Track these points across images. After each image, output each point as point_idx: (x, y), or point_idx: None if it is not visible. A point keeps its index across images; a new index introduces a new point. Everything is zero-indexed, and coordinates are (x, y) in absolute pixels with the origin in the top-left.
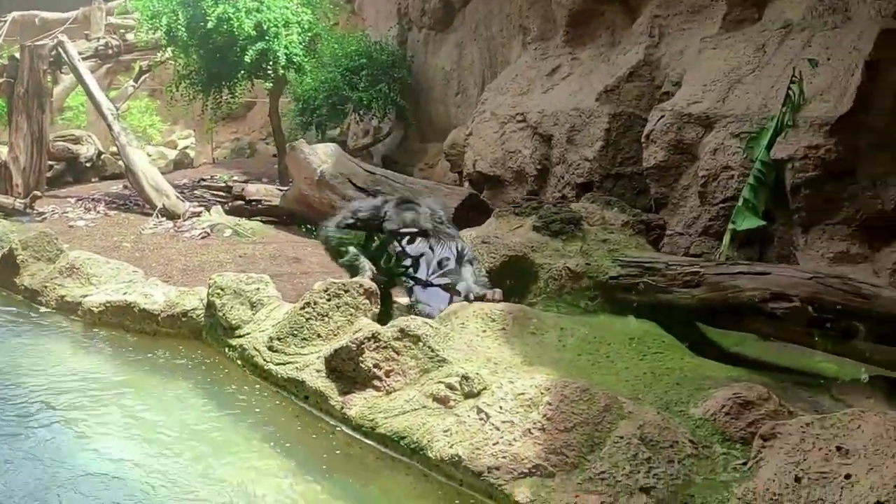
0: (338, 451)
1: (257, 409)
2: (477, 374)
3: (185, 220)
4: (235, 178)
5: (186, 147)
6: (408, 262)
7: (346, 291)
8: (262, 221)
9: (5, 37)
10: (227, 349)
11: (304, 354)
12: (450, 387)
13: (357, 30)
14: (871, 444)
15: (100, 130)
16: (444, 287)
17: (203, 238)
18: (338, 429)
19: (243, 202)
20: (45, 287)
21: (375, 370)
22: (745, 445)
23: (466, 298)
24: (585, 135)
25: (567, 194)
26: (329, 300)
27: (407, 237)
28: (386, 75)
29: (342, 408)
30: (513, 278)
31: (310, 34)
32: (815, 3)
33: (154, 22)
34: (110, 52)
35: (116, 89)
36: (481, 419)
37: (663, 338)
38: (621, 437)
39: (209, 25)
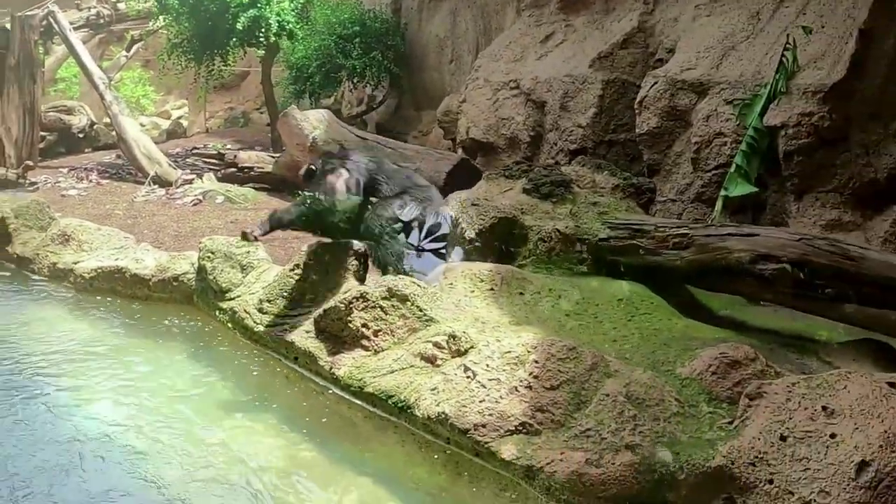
0: (327, 411)
1: (246, 371)
2: (464, 332)
3: (177, 188)
4: (229, 146)
5: (180, 117)
6: (398, 226)
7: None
8: (254, 188)
9: None
10: (217, 312)
11: (294, 316)
12: (437, 345)
13: None
14: (857, 404)
15: (92, 101)
16: (437, 252)
17: (195, 205)
18: (327, 389)
19: (236, 169)
20: (38, 255)
21: (364, 330)
22: (731, 405)
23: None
24: (579, 101)
25: (560, 161)
26: None
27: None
28: (379, 43)
29: (331, 368)
30: (502, 240)
31: (302, 1)
32: None
33: None
34: (102, 21)
35: (109, 59)
36: (468, 377)
37: (652, 299)
38: (607, 395)
39: None
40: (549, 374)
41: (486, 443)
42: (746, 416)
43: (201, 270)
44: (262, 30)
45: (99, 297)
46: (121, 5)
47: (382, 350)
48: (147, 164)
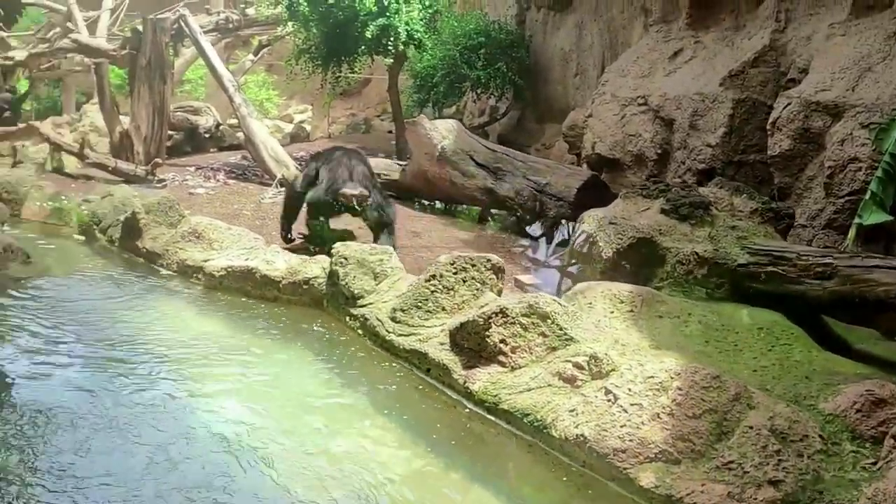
0: (458, 426)
1: (376, 380)
2: (606, 354)
3: None
4: None
5: (302, 121)
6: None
7: (472, 265)
8: None
9: (126, 11)
10: (348, 318)
11: (428, 327)
12: (577, 366)
13: (475, 9)
14: None
15: (218, 102)
16: (559, 269)
17: None
18: (460, 403)
19: None
20: (167, 251)
21: (501, 346)
22: (875, 444)
23: None
24: (708, 120)
25: (687, 180)
26: (455, 273)
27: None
28: (504, 55)
29: (465, 382)
30: (639, 260)
31: (430, 11)
32: None
33: None
34: (230, 26)
35: (234, 63)
36: (609, 400)
37: (791, 329)
38: (751, 428)
39: (330, 1)
40: (692, 403)
41: (625, 469)
42: (892, 458)
43: (333, 275)
44: (391, 38)
45: (227, 296)
46: (249, 10)
47: (519, 367)
48: (274, 166)
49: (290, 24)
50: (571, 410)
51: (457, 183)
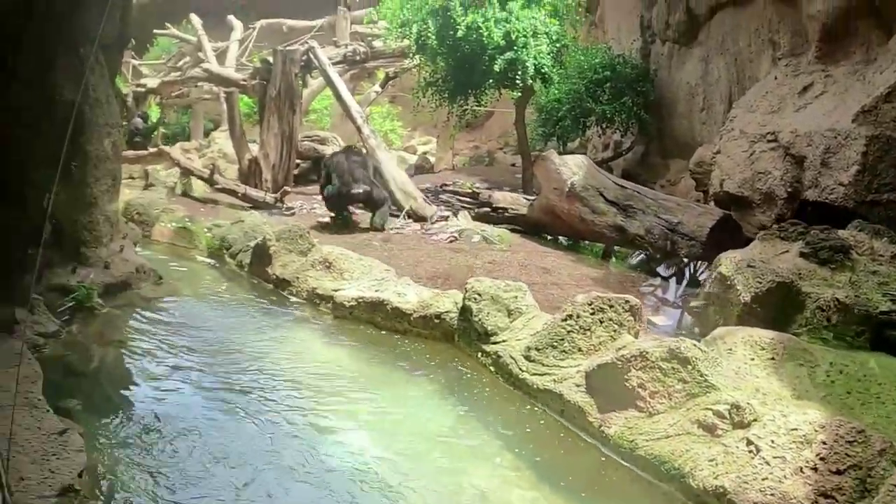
0: (591, 470)
1: (507, 418)
2: (748, 403)
3: (432, 224)
4: (478, 185)
5: (426, 152)
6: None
7: (610, 306)
8: (508, 229)
9: (254, 42)
10: (479, 354)
11: (563, 367)
12: (718, 414)
13: (598, 42)
14: None
15: (343, 132)
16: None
17: (451, 242)
18: (594, 447)
19: (490, 209)
20: (297, 278)
21: (640, 390)
22: None
23: None
24: (840, 157)
25: (818, 219)
26: (593, 314)
27: None
28: (630, 89)
29: (600, 425)
30: (777, 305)
31: (557, 45)
32: None
33: (404, 30)
34: (357, 58)
35: (359, 94)
36: (751, 452)
37: None
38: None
39: (458, 34)
40: (837, 457)
41: None
42: None
43: (466, 311)
44: (519, 72)
45: (356, 326)
46: (376, 43)
47: (658, 413)
48: (402, 197)
49: (417, 57)
50: (711, 460)
51: (586, 219)
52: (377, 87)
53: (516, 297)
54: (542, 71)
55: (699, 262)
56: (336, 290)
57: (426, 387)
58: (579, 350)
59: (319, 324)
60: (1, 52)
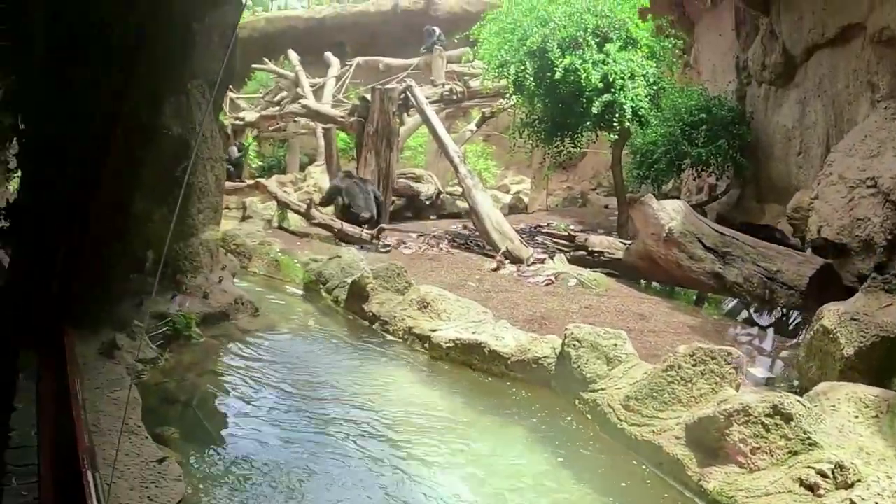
0: None
1: (604, 469)
2: (852, 463)
3: (528, 266)
4: (572, 227)
5: (519, 192)
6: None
7: (712, 358)
8: (604, 273)
9: (350, 79)
10: (577, 402)
11: (663, 419)
12: (821, 473)
13: (692, 83)
14: None
15: (437, 170)
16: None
17: (547, 285)
18: (691, 501)
19: (585, 252)
20: (394, 317)
21: (741, 445)
22: None
23: None
24: None
25: None
26: (694, 365)
27: None
28: (725, 131)
29: (699, 480)
30: (881, 361)
31: (655, 87)
32: None
33: (502, 71)
34: (454, 97)
35: (455, 133)
36: None
37: None
38: None
39: (556, 76)
40: None
41: None
42: None
43: (564, 357)
44: (616, 115)
45: (452, 368)
46: (472, 83)
47: (758, 469)
48: (498, 238)
49: (514, 97)
50: None
51: (683, 265)
52: (472, 126)
53: (616, 344)
54: (640, 113)
55: (798, 311)
56: (433, 331)
57: (521, 432)
58: (679, 401)
59: (414, 363)
60: (113, 88)
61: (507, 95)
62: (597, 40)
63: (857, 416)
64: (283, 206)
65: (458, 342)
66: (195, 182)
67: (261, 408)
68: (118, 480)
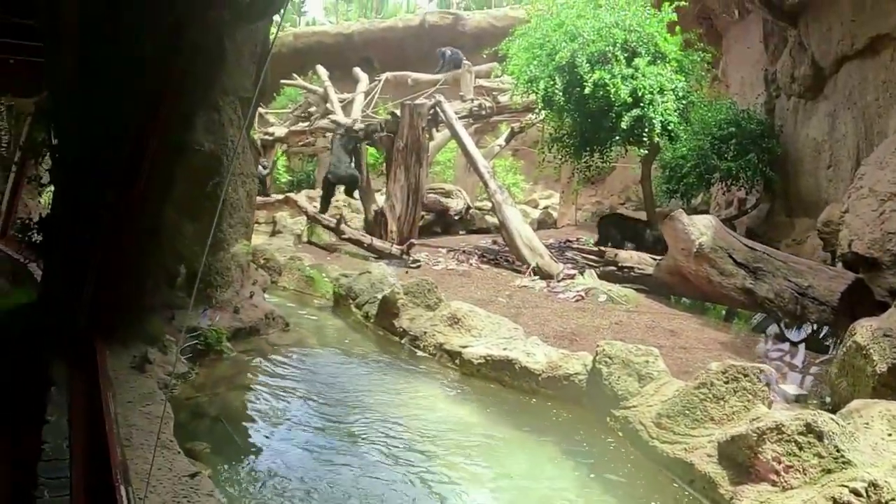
0: None
1: (635, 486)
2: (885, 481)
3: (558, 282)
4: None
5: (548, 207)
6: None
7: (745, 376)
8: (633, 289)
9: (379, 94)
10: (608, 419)
11: (695, 436)
12: (855, 492)
13: (722, 97)
14: None
15: (466, 185)
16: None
17: (577, 301)
18: None
19: (615, 268)
20: (425, 333)
21: (774, 463)
22: None
23: None
24: None
25: None
26: (727, 383)
27: None
28: (754, 145)
29: (732, 498)
30: None
31: (684, 102)
32: None
33: (531, 86)
34: (483, 112)
35: (483, 148)
36: None
37: None
38: None
39: (585, 91)
40: None
41: None
42: None
43: (595, 373)
44: (646, 129)
45: (482, 384)
46: (502, 98)
47: (791, 487)
48: (528, 254)
49: (543, 112)
50: None
51: (713, 281)
52: (501, 141)
53: (647, 361)
54: (669, 128)
55: (828, 327)
56: (464, 347)
57: (552, 449)
58: (711, 419)
59: (445, 379)
60: (145, 104)
61: (536, 110)
62: (626, 55)
63: (890, 434)
64: (313, 220)
65: (488, 358)
66: (227, 197)
67: (291, 423)
68: (151, 495)
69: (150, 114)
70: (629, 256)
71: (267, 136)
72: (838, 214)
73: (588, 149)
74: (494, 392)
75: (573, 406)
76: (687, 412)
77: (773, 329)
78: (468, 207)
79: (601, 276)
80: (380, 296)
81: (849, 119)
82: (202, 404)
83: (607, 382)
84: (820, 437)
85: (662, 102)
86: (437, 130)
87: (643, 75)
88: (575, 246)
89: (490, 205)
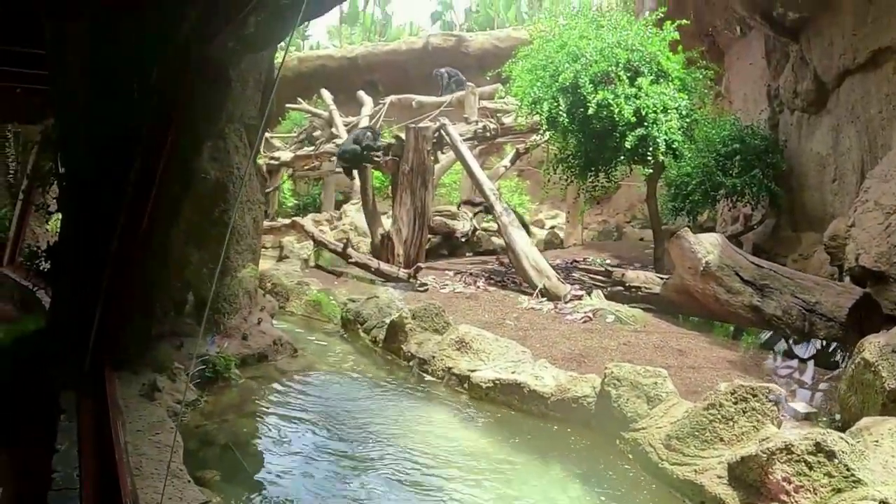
0: None
1: None
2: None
3: (565, 303)
4: (608, 261)
5: (554, 227)
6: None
7: (753, 395)
8: (641, 309)
9: (384, 117)
10: (617, 441)
11: (704, 457)
12: None
13: (725, 113)
14: None
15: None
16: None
17: (585, 322)
18: None
19: (622, 288)
20: (433, 357)
21: (784, 484)
22: None
23: None
24: None
25: None
26: (735, 403)
27: None
28: (759, 161)
29: None
30: None
31: (688, 120)
32: None
33: (535, 107)
34: (488, 134)
35: (488, 169)
36: None
37: None
38: None
39: (589, 111)
40: None
41: None
42: None
43: (604, 396)
44: (650, 148)
45: (491, 408)
46: (506, 119)
47: None
48: (535, 276)
49: (547, 133)
50: None
51: (721, 299)
52: (506, 162)
53: (656, 383)
54: (673, 146)
55: (838, 343)
56: (472, 371)
57: (561, 472)
58: (721, 440)
59: (453, 404)
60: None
61: (541, 131)
62: (628, 74)
63: None
64: (320, 245)
65: (497, 382)
66: (234, 224)
67: (300, 450)
68: None
69: (157, 142)
70: (636, 276)
71: (272, 161)
72: (844, 228)
73: (593, 169)
74: (503, 416)
75: (583, 429)
76: (696, 433)
77: (781, 346)
78: (475, 229)
79: (609, 297)
80: (388, 320)
81: (852, 133)
82: (211, 432)
83: (616, 405)
84: (830, 456)
85: (666, 121)
86: (443, 153)
87: (646, 94)
88: (582, 266)
89: (496, 226)
